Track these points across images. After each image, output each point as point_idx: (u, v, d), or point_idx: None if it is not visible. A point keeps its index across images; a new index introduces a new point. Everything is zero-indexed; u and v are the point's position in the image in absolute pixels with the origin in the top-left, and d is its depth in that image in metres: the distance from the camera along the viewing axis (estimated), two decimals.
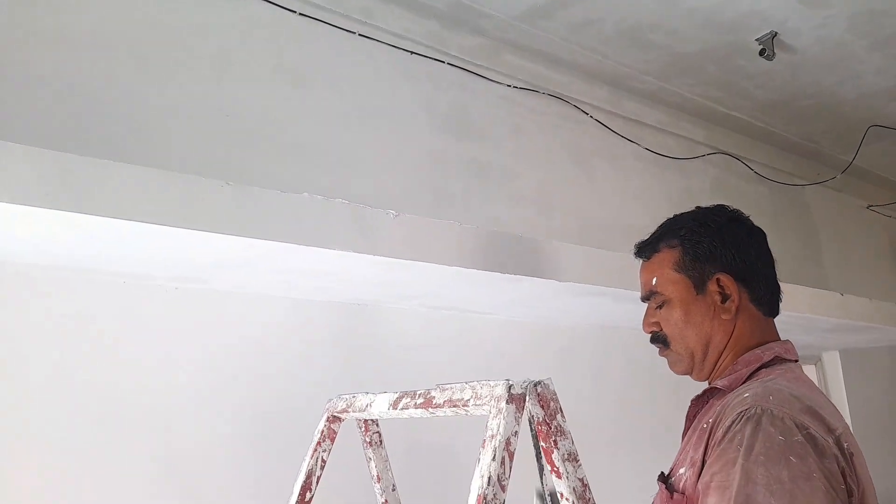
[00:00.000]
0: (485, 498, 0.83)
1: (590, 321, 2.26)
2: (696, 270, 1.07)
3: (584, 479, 0.90)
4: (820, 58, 2.62)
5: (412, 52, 2.27)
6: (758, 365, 1.00)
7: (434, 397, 1.03)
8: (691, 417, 1.05)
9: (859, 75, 2.72)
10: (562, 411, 0.92)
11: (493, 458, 0.86)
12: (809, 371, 3.32)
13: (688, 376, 1.11)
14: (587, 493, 0.89)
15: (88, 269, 1.46)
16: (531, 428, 0.92)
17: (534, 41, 2.46)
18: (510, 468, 0.86)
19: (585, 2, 2.24)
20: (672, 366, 1.11)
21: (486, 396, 0.93)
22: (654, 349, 1.14)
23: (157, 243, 1.30)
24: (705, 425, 0.94)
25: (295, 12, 2.01)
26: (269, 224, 1.32)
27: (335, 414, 1.28)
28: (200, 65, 1.80)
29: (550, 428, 0.91)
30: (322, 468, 1.27)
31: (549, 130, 2.60)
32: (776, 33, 2.48)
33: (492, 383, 0.93)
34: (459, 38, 2.36)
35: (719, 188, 3.14)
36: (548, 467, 0.91)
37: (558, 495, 0.91)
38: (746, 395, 0.91)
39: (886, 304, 2.51)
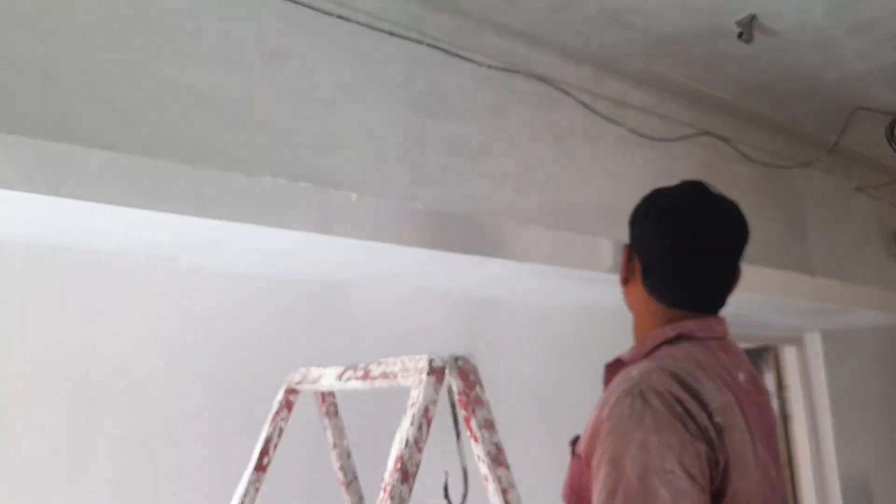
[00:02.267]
0: (402, 458, 0.91)
1: (559, 302, 2.33)
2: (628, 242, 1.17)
3: (499, 443, 0.98)
4: (801, 41, 2.63)
5: (390, 33, 2.31)
6: (661, 340, 1.05)
7: (371, 370, 1.11)
8: (607, 382, 1.10)
9: (840, 59, 2.73)
10: (481, 384, 1.00)
11: (412, 423, 0.93)
12: (790, 353, 3.37)
13: None
14: (501, 456, 0.97)
15: (62, 247, 1.54)
16: (451, 398, 1.00)
17: (514, 22, 2.48)
18: (427, 433, 0.94)
19: None
20: None
21: (412, 369, 1.00)
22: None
23: (125, 224, 1.38)
24: (605, 395, 1.00)
25: None
26: (232, 206, 1.39)
27: (292, 386, 1.36)
28: (173, 45, 1.84)
29: (469, 398, 0.98)
30: (280, 436, 1.36)
31: (530, 111, 2.64)
32: (755, 16, 2.49)
33: (417, 357, 1.00)
34: (439, 18, 2.39)
35: (705, 170, 3.17)
36: (466, 433, 0.99)
37: (475, 457, 0.98)
38: (634, 373, 0.98)
39: (858, 288, 2.55)
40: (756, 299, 2.34)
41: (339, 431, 1.41)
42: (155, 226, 1.41)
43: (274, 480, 1.40)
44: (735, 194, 1.18)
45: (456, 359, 0.99)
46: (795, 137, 3.45)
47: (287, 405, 1.36)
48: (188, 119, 1.83)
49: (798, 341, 3.38)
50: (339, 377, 1.19)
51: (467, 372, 0.99)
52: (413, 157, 2.28)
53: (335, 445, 1.40)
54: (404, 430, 0.93)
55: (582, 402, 2.38)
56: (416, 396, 0.95)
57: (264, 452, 1.33)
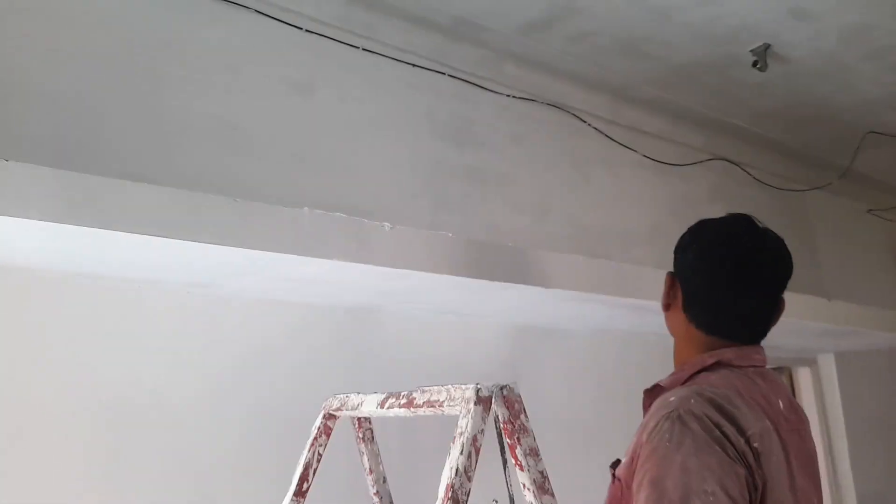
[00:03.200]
0: (453, 487, 0.94)
1: (583, 325, 2.36)
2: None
3: (544, 471, 1.01)
4: (814, 68, 2.68)
5: (415, 66, 2.37)
6: (699, 368, 1.08)
7: (415, 398, 1.14)
8: (646, 407, 1.12)
9: (853, 85, 2.78)
10: (525, 412, 1.03)
11: (462, 453, 0.96)
12: (804, 374, 3.38)
13: None
14: (546, 484, 1.00)
15: (102, 276, 1.59)
16: (497, 426, 1.03)
17: (533, 53, 2.54)
18: (476, 461, 0.97)
19: (581, 15, 2.33)
20: None
21: (458, 398, 1.03)
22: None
23: (166, 254, 1.42)
24: (644, 420, 1.03)
25: (301, 29, 2.12)
26: (270, 236, 1.43)
27: (330, 412, 1.40)
28: (209, 80, 1.90)
29: (514, 426, 1.02)
30: (318, 461, 1.39)
31: (549, 139, 2.69)
32: (769, 45, 2.55)
33: (463, 386, 1.03)
34: (461, 50, 2.45)
35: (718, 194, 3.21)
36: (511, 461, 1.02)
37: (521, 485, 1.01)
38: (672, 399, 1.00)
39: (871, 309, 2.58)
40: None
41: (375, 457, 1.44)
42: (195, 256, 1.45)
43: None
44: None
45: (501, 388, 1.02)
46: (808, 161, 3.49)
47: (325, 431, 1.39)
48: (219, 150, 1.88)
49: (812, 362, 3.39)
50: (381, 404, 1.22)
51: (512, 401, 1.02)
52: (436, 186, 2.33)
53: (371, 471, 1.43)
54: (454, 459, 0.96)
55: (621, 426, 2.41)
56: (465, 426, 0.98)
57: (303, 478, 1.36)
